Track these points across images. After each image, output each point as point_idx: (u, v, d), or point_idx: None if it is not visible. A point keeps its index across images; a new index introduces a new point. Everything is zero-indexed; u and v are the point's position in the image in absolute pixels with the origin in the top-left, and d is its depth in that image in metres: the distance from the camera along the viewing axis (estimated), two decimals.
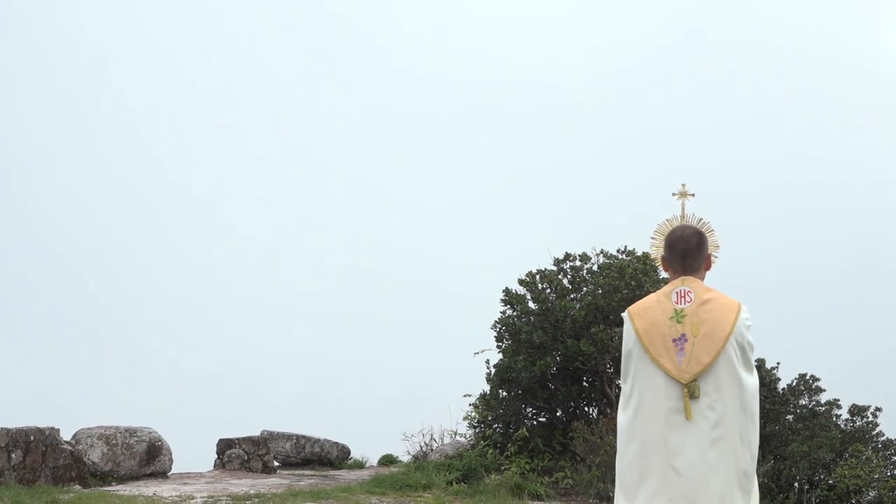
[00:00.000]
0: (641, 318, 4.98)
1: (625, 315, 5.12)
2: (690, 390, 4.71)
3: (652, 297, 5.13)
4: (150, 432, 14.81)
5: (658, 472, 4.75)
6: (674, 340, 4.81)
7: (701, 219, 5.46)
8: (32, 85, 43.44)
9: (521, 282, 18.66)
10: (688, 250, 5.10)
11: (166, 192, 45.41)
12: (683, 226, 5.30)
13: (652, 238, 5.54)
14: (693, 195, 6.22)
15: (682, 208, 6.23)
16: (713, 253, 5.30)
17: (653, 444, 4.77)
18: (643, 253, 18.37)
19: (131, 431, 14.53)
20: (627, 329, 5.04)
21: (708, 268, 5.22)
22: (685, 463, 4.69)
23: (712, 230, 5.38)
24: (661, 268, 5.52)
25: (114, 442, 14.19)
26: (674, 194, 6.30)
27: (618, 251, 18.82)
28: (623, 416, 4.99)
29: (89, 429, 14.45)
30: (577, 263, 18.90)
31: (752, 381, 4.91)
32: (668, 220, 5.46)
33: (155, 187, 45.28)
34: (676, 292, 4.97)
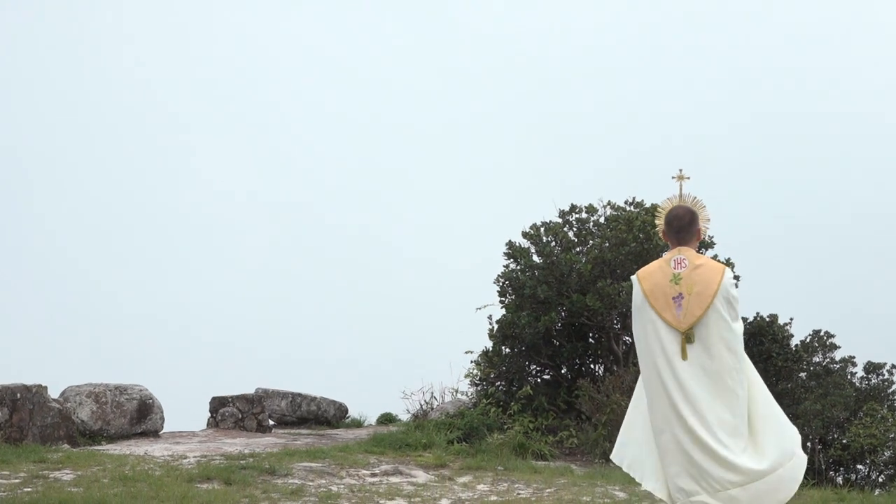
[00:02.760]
0: (647, 280, 6.70)
1: (633, 278, 6.83)
2: (687, 337, 6.43)
3: (655, 263, 6.86)
4: (141, 390, 14.85)
5: (663, 394, 6.46)
6: (673, 298, 6.52)
7: (695, 197, 7.10)
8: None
9: (524, 234, 18.64)
10: (681, 226, 6.83)
11: (152, 150, 45.37)
12: (678, 206, 6.99)
13: (656, 215, 7.27)
14: (689, 178, 7.58)
15: (680, 189, 7.50)
16: (704, 224, 7.01)
17: (662, 377, 6.46)
18: (652, 204, 18.33)
19: (121, 389, 14.57)
20: (636, 290, 6.73)
21: (699, 238, 6.91)
22: (685, 390, 6.36)
23: (704, 206, 7.07)
24: (663, 238, 7.11)
25: (103, 400, 14.23)
26: (673, 177, 7.61)
27: (626, 202, 18.78)
28: (639, 356, 6.72)
29: (78, 386, 14.48)
30: (584, 215, 18.86)
31: (738, 327, 6.58)
32: (668, 199, 7.18)
33: (142, 146, 45.26)
34: (674, 259, 6.68)
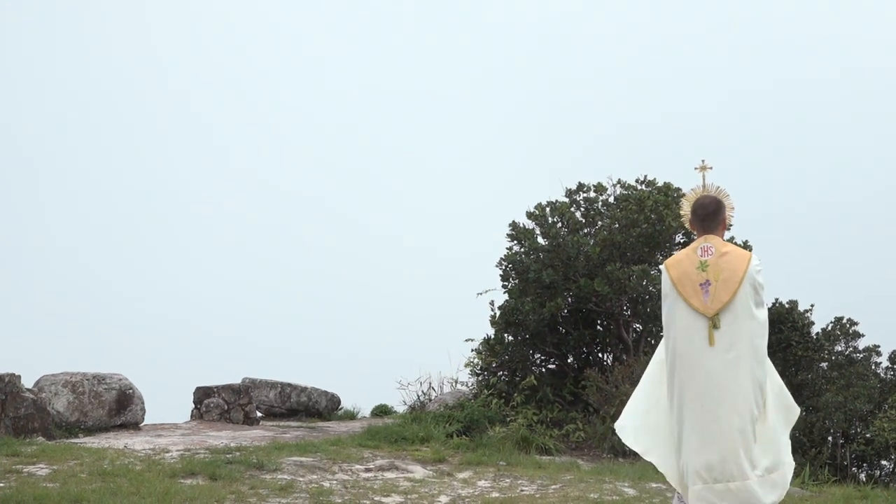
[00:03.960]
0: (675, 268, 7.12)
1: (662, 267, 7.27)
2: (714, 322, 6.82)
3: (682, 252, 7.25)
4: (121, 379, 14.86)
5: (689, 380, 6.87)
6: (700, 285, 6.93)
7: (719, 187, 7.60)
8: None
9: (529, 215, 18.61)
10: (706, 215, 7.25)
11: (142, 138, 45.39)
12: (704, 195, 7.47)
13: (681, 205, 7.71)
14: (711, 168, 8.04)
15: (703, 179, 7.93)
16: (729, 213, 7.47)
17: (688, 361, 6.87)
18: (664, 183, 18.32)
19: (100, 378, 14.58)
20: (665, 278, 7.15)
21: (724, 227, 7.34)
22: (711, 376, 6.76)
23: (727, 195, 7.55)
24: (689, 228, 7.55)
25: (80, 390, 14.24)
26: (695, 168, 8.06)
27: (637, 181, 18.74)
28: (664, 343, 7.16)
29: (54, 375, 14.49)
30: (592, 195, 18.84)
31: (762, 314, 7.02)
32: (693, 189, 7.70)
33: (132, 133, 45.29)
34: (701, 248, 7.09)
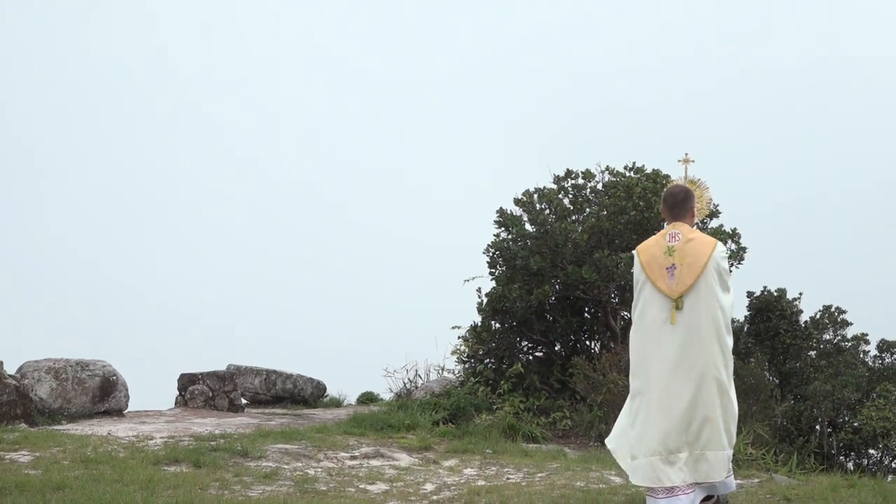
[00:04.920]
0: (644, 253, 7.72)
1: (634, 252, 7.88)
2: (677, 304, 7.42)
3: (653, 237, 7.84)
4: (105, 366, 14.83)
5: (654, 356, 7.46)
6: (667, 269, 7.51)
7: (699, 179, 8.56)
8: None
9: (517, 201, 18.60)
10: (675, 203, 7.80)
11: (131, 127, 45.31)
12: (674, 185, 8.21)
13: (662, 195, 8.19)
14: (693, 161, 8.89)
15: (685, 171, 8.80)
16: (709, 206, 8.51)
17: (652, 339, 7.50)
18: (653, 170, 18.32)
19: (83, 365, 14.55)
20: (636, 262, 7.76)
21: (693, 216, 7.91)
22: (670, 352, 7.38)
23: (707, 187, 8.54)
24: (661, 215, 8.17)
25: (63, 376, 14.21)
26: (679, 161, 8.88)
27: (625, 168, 18.74)
28: (634, 323, 7.76)
29: (36, 361, 14.45)
30: (580, 181, 18.83)
31: (727, 298, 7.60)
32: (675, 181, 8.59)
33: (120, 117, 45.20)
34: (669, 234, 7.68)
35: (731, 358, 7.59)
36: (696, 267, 7.44)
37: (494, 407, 15.08)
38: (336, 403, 19.79)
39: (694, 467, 7.28)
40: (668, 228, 7.77)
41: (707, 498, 7.50)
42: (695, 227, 8.00)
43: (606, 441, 8.02)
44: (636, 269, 7.80)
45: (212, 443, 10.95)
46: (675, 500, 7.26)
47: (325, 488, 8.85)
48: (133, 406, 15.27)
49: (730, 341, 7.56)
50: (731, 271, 7.80)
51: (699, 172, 8.96)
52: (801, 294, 21.20)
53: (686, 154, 8.94)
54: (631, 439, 7.59)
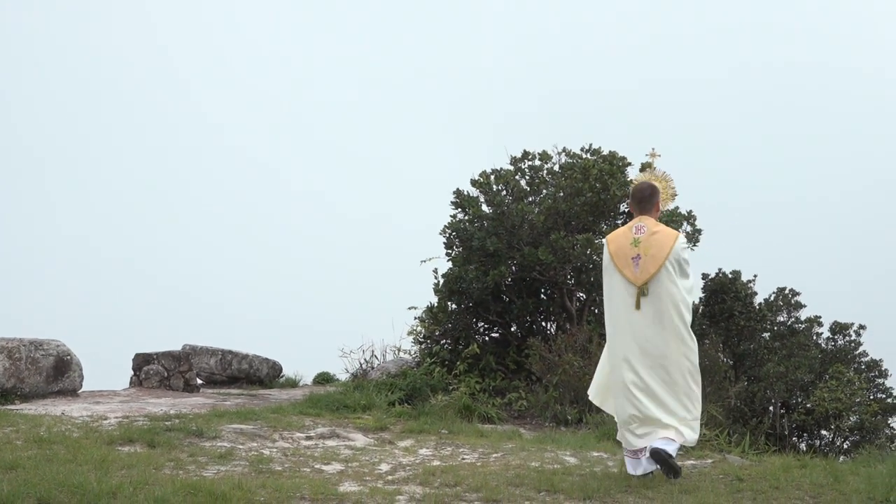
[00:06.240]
0: (613, 243, 8.61)
1: (604, 241, 8.78)
2: (641, 290, 8.33)
3: (621, 228, 8.80)
4: (59, 345, 14.74)
5: (620, 335, 8.45)
6: (632, 258, 8.40)
7: (664, 172, 9.25)
8: None
9: (473, 183, 18.61)
10: (642, 198, 8.73)
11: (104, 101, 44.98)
12: (642, 181, 9.04)
13: (630, 191, 9.07)
14: (660, 156, 9.90)
15: (652, 165, 9.62)
16: (671, 197, 9.20)
17: (620, 322, 8.45)
18: (609, 152, 18.38)
19: (37, 344, 14.45)
20: (605, 251, 8.68)
21: (658, 210, 8.77)
22: (639, 333, 8.32)
23: (671, 179, 9.22)
24: (629, 208, 9.21)
25: (17, 356, 14.11)
26: (646, 155, 9.87)
27: (582, 150, 18.79)
28: (605, 304, 8.69)
29: None
30: (537, 163, 18.87)
31: (686, 283, 8.51)
32: (642, 173, 9.60)
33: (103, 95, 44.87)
34: (636, 226, 8.56)
35: (693, 338, 8.48)
36: (658, 258, 8.33)
37: (450, 387, 15.12)
38: (292, 384, 19.77)
39: (647, 436, 8.22)
40: (635, 221, 8.65)
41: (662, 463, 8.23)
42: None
43: (588, 393, 9.24)
44: (605, 257, 8.72)
45: (166, 423, 10.91)
46: (639, 462, 8.32)
47: (280, 468, 8.85)
48: (87, 386, 15.19)
49: (688, 317, 8.45)
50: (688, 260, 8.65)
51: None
52: (755, 276, 21.36)
53: (653, 149, 9.85)
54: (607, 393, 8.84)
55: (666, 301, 8.33)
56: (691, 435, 8.34)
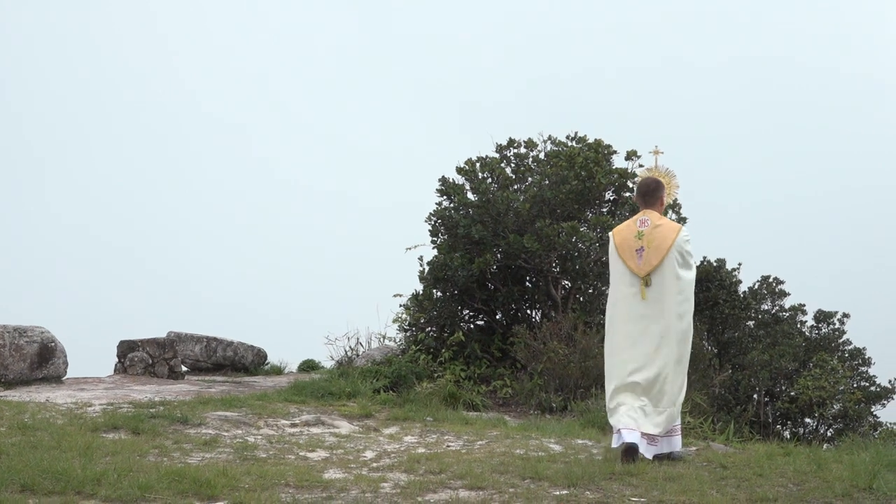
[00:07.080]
0: (618, 235, 9.09)
1: (610, 234, 9.27)
2: (645, 281, 8.80)
3: (626, 222, 9.24)
4: (43, 332, 14.70)
5: (627, 326, 8.87)
6: (636, 250, 8.87)
7: (668, 168, 9.74)
8: None
9: (459, 170, 18.61)
10: (647, 192, 9.18)
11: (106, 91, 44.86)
12: (647, 176, 9.54)
13: (633, 184, 9.97)
14: (662, 153, 10.11)
15: (655, 162, 9.97)
16: (674, 191, 9.62)
17: (623, 311, 8.91)
18: (595, 140, 18.39)
19: (21, 331, 14.41)
20: (611, 243, 9.15)
21: (663, 204, 9.23)
22: (639, 322, 8.78)
23: (674, 175, 9.66)
24: (635, 201, 10.22)
25: (0, 342, 14.07)
26: (650, 152, 10.12)
27: (567, 137, 18.81)
28: (609, 293, 9.20)
29: None
30: (523, 150, 18.88)
31: (689, 274, 8.95)
32: (646, 169, 10.10)
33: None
34: (640, 219, 9.03)
35: (691, 327, 8.98)
36: (661, 250, 8.80)
37: (435, 375, 15.13)
38: (277, 371, 19.74)
39: (641, 420, 8.61)
40: (640, 214, 9.14)
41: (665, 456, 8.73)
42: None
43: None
44: (611, 249, 9.19)
45: (151, 410, 10.90)
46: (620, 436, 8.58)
47: (264, 455, 8.85)
48: (72, 373, 15.14)
49: (688, 307, 8.91)
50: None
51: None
52: (739, 265, 21.42)
53: (656, 146, 10.18)
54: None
55: (668, 292, 8.79)
56: (665, 423, 8.72)
